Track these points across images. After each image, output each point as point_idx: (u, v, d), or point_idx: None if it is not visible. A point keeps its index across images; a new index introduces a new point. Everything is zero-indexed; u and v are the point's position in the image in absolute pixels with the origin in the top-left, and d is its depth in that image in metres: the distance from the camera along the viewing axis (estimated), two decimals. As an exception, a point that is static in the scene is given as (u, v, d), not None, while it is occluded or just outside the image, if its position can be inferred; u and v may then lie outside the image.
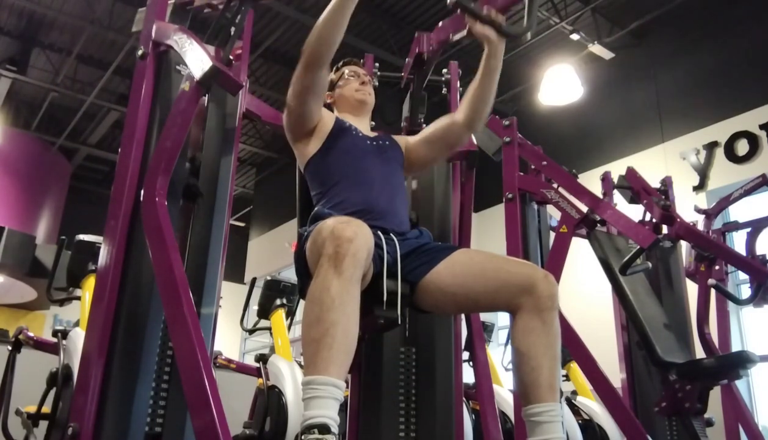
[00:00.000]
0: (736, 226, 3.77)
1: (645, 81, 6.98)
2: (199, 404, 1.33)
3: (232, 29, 1.89)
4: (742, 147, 6.01)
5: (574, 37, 7.00)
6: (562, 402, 2.01)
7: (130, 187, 1.74)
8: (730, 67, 6.23)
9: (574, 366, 3.57)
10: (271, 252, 10.54)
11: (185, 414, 1.64)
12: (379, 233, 1.63)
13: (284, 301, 3.44)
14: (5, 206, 9.33)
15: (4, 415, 2.46)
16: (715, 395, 2.63)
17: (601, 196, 3.00)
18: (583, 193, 2.70)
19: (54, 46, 8.41)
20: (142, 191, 1.67)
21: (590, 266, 2.80)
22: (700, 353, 3.11)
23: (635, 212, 3.00)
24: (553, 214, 2.91)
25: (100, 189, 11.57)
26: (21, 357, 2.69)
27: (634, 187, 3.21)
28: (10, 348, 2.69)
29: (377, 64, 2.46)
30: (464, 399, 2.31)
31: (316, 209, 1.80)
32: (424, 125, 2.25)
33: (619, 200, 3.36)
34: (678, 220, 2.93)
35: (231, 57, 1.92)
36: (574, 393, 3.55)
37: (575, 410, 3.41)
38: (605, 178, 3.46)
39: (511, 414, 2.95)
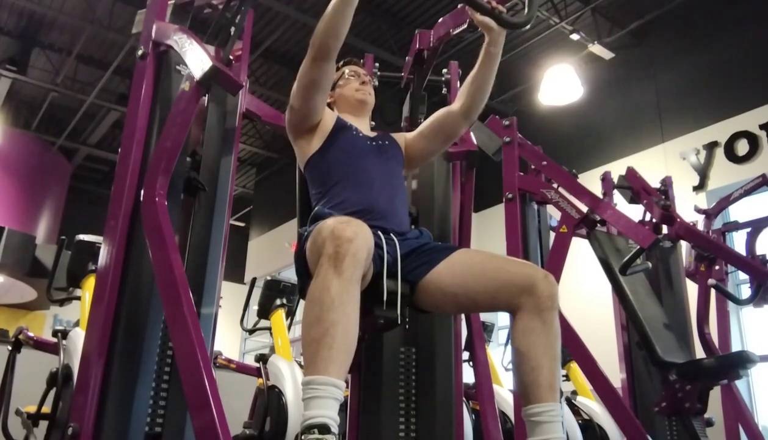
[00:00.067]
0: (736, 226, 3.77)
1: (645, 81, 6.99)
2: (199, 404, 1.33)
3: (232, 29, 1.90)
4: (742, 147, 6.01)
5: (574, 37, 7.00)
6: (562, 402, 2.01)
7: (130, 187, 1.74)
8: (730, 67, 6.23)
9: (574, 366, 3.57)
10: (271, 252, 10.54)
11: (185, 414, 1.64)
12: (379, 233, 1.63)
13: (284, 301, 3.44)
14: (5, 206, 9.33)
15: (4, 415, 2.46)
16: (715, 395, 2.63)
17: (601, 196, 3.01)
18: (583, 193, 2.70)
19: (54, 46, 8.42)
20: (142, 191, 1.67)
21: (590, 266, 2.80)
22: (700, 353, 3.11)
23: (635, 212, 3.00)
24: (553, 214, 2.91)
25: (100, 189, 11.58)
26: (21, 357, 2.69)
27: (634, 187, 3.22)
28: (10, 348, 2.69)
29: (377, 64, 2.46)
30: (464, 399, 2.31)
31: (316, 209, 1.80)
32: (424, 124, 2.25)
33: (619, 200, 3.36)
34: (678, 220, 2.93)
35: (231, 57, 1.92)
36: (574, 393, 3.55)
37: (575, 410, 3.41)
38: (605, 178, 3.46)
39: (511, 414, 2.95)
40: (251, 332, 3.64)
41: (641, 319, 2.35)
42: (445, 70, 2.50)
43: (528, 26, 1.61)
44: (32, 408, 2.25)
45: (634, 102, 7.05)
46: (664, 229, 3.07)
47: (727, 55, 6.28)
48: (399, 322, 1.60)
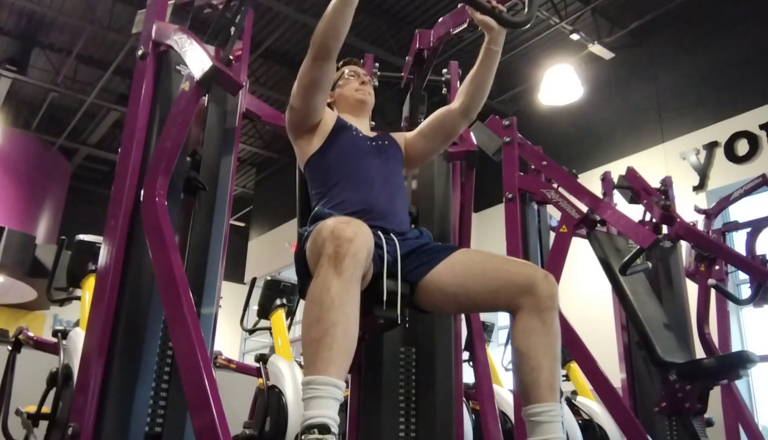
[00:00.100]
0: (736, 226, 3.77)
1: (645, 81, 6.99)
2: (199, 404, 1.33)
3: (232, 29, 1.90)
4: (742, 147, 6.01)
5: (574, 37, 7.00)
6: (562, 402, 2.01)
7: (130, 187, 1.74)
8: (730, 67, 6.23)
9: (574, 366, 3.57)
10: (271, 252, 10.54)
11: (185, 414, 1.64)
12: (379, 233, 1.63)
13: (284, 301, 3.44)
14: (5, 206, 9.33)
15: (4, 415, 2.46)
16: (715, 395, 2.63)
17: (601, 196, 3.01)
18: (583, 193, 2.70)
19: (54, 46, 8.42)
20: (142, 191, 1.67)
21: (590, 266, 2.80)
22: (700, 353, 3.11)
23: (635, 212, 3.00)
24: (553, 214, 2.91)
25: (100, 189, 11.58)
26: (21, 357, 2.69)
27: (634, 187, 3.22)
28: (10, 348, 2.69)
29: (377, 64, 2.46)
30: (464, 399, 2.31)
31: (316, 209, 1.80)
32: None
33: (619, 200, 3.36)
34: (678, 220, 2.93)
35: (231, 57, 1.92)
36: (574, 393, 3.55)
37: (575, 410, 3.41)
38: (605, 178, 3.46)
39: (511, 414, 2.95)
40: (251, 332, 3.64)
41: (641, 319, 2.35)
42: (445, 70, 2.50)
43: (528, 25, 1.61)
44: (32, 408, 2.25)
45: (634, 102, 7.05)
46: (664, 229, 3.07)
47: (727, 55, 6.29)
48: (399, 322, 1.60)
